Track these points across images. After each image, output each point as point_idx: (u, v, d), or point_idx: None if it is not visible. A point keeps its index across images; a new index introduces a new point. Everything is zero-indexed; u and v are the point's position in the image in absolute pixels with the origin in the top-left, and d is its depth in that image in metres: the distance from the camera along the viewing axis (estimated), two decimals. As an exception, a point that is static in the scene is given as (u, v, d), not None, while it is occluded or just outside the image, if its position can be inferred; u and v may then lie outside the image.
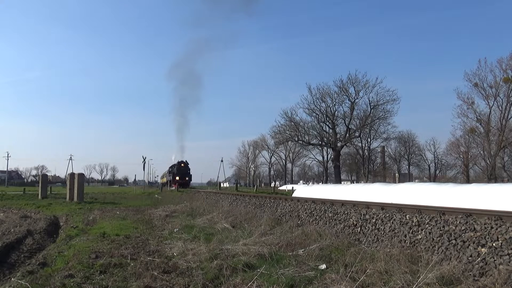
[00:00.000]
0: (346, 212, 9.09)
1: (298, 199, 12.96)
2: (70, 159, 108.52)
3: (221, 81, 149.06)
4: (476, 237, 5.65)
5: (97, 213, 15.49)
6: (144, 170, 52.62)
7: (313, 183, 71.55)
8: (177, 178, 47.09)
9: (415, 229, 6.82)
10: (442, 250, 5.93)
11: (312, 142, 50.18)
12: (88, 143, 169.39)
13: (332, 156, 52.00)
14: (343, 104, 47.75)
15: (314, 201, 11.75)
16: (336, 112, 47.73)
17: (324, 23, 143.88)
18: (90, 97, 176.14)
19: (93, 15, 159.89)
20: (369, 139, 51.75)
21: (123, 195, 35.35)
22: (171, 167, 54.19)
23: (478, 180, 43.39)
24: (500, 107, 39.66)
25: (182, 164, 48.67)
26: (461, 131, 45.01)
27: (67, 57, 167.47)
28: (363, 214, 8.41)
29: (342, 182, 53.71)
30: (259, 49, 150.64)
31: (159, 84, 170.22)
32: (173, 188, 45.26)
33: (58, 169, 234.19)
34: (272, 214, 11.98)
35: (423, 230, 6.61)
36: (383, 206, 8.65)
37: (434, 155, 65.78)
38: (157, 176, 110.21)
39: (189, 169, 49.99)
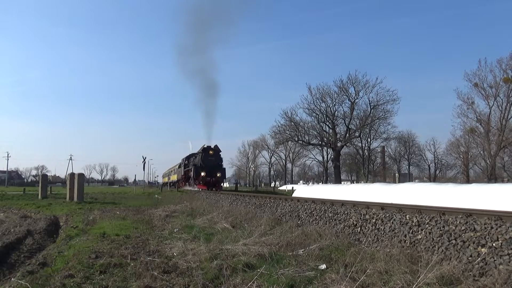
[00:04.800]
0: (346, 212, 9.08)
1: (298, 199, 12.96)
2: (70, 159, 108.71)
3: (221, 81, 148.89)
4: (476, 237, 5.65)
5: (97, 213, 15.48)
6: (144, 170, 50.79)
7: (313, 183, 71.59)
8: (203, 174, 29.26)
9: (415, 229, 6.82)
10: (442, 250, 5.93)
11: (312, 142, 50.30)
12: (88, 143, 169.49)
13: (332, 156, 52.10)
14: (343, 104, 47.98)
15: (314, 201, 11.75)
16: (336, 112, 47.95)
17: (324, 23, 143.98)
18: (90, 96, 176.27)
19: (92, 14, 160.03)
20: (369, 139, 51.85)
21: (123, 195, 35.33)
22: (187, 158, 36.69)
23: (478, 180, 43.46)
24: (500, 107, 39.80)
25: (210, 152, 30.23)
26: (461, 131, 45.21)
27: (67, 57, 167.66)
28: (363, 214, 8.40)
29: (342, 182, 53.76)
30: (259, 49, 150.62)
31: (159, 83, 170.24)
32: (196, 188, 30.28)
33: (58, 169, 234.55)
34: (272, 214, 11.98)
35: (423, 230, 6.61)
36: (383, 206, 8.64)
37: (434, 155, 65.93)
38: (157, 176, 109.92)
39: (222, 160, 31.49)
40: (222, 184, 32.56)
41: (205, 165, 29.87)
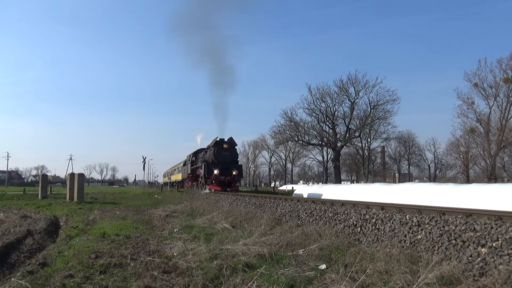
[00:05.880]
0: (346, 212, 9.08)
1: (298, 199, 12.96)
2: (70, 159, 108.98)
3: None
4: (476, 237, 5.65)
5: (97, 213, 15.48)
6: (144, 170, 50.84)
7: (313, 183, 71.57)
8: (216, 172, 24.34)
9: (415, 229, 6.82)
10: (442, 250, 5.93)
11: (312, 142, 50.33)
12: (88, 143, 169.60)
13: (332, 156, 52.12)
14: (343, 104, 48.06)
15: (314, 201, 11.75)
16: (336, 112, 48.02)
17: (324, 23, 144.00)
18: (90, 96, 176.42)
19: (91, 14, 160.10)
20: (369, 139, 51.92)
21: (123, 195, 35.32)
22: (195, 153, 31.89)
23: (478, 180, 43.47)
24: (500, 107, 39.85)
25: (224, 145, 25.27)
26: (461, 131, 45.27)
27: (66, 56, 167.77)
28: (363, 214, 8.40)
29: (342, 182, 53.76)
30: (259, 49, 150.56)
31: (162, 82, 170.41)
32: (207, 190, 25.21)
33: (58, 169, 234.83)
34: (272, 214, 11.97)
35: (423, 230, 6.61)
36: (383, 206, 8.64)
37: (434, 155, 66.07)
38: (157, 176, 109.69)
39: (237, 155, 27.00)
40: (238, 184, 27.06)
41: (218, 162, 24.83)
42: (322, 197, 19.32)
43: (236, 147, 26.64)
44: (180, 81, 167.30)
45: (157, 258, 6.62)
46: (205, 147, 29.37)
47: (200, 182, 28.01)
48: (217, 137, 25.93)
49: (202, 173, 26.29)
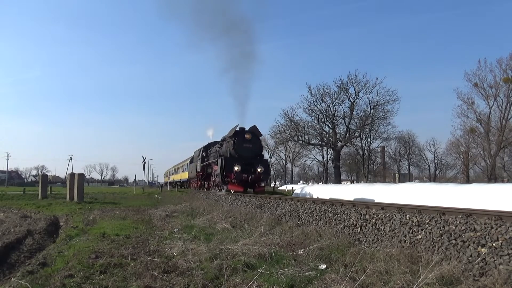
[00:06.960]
0: (346, 212, 9.08)
1: (298, 199, 12.96)
2: (70, 159, 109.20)
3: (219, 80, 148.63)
4: (476, 237, 5.64)
5: (97, 213, 15.49)
6: (144, 170, 50.78)
7: (313, 183, 71.53)
8: (237, 168, 19.44)
9: (415, 229, 6.82)
10: (442, 250, 5.92)
11: (312, 142, 50.30)
12: (88, 143, 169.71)
13: (332, 156, 52.10)
14: (343, 104, 48.03)
15: (314, 201, 11.75)
16: (336, 112, 47.98)
17: (324, 23, 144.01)
18: (90, 96, 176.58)
19: (92, 13, 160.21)
20: (369, 139, 51.86)
21: (123, 195, 35.34)
22: (206, 148, 27.29)
23: (478, 180, 43.49)
24: (500, 107, 39.89)
25: (246, 136, 20.38)
26: (461, 131, 45.29)
27: (67, 56, 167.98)
28: (363, 214, 8.40)
29: (342, 182, 53.75)
30: (259, 49, 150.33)
31: (159, 83, 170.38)
32: (224, 191, 20.63)
33: (58, 169, 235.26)
34: (272, 214, 11.97)
35: (423, 230, 6.61)
36: (383, 206, 8.64)
37: (434, 155, 66.04)
38: (157, 176, 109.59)
39: (262, 149, 22.05)
40: (264, 184, 22.04)
41: (239, 156, 19.98)
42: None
43: (260, 138, 22.02)
44: (182, 79, 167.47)
45: (157, 258, 6.62)
46: (220, 139, 24.07)
47: (215, 181, 22.99)
48: (237, 125, 20.73)
49: (218, 170, 21.05)
